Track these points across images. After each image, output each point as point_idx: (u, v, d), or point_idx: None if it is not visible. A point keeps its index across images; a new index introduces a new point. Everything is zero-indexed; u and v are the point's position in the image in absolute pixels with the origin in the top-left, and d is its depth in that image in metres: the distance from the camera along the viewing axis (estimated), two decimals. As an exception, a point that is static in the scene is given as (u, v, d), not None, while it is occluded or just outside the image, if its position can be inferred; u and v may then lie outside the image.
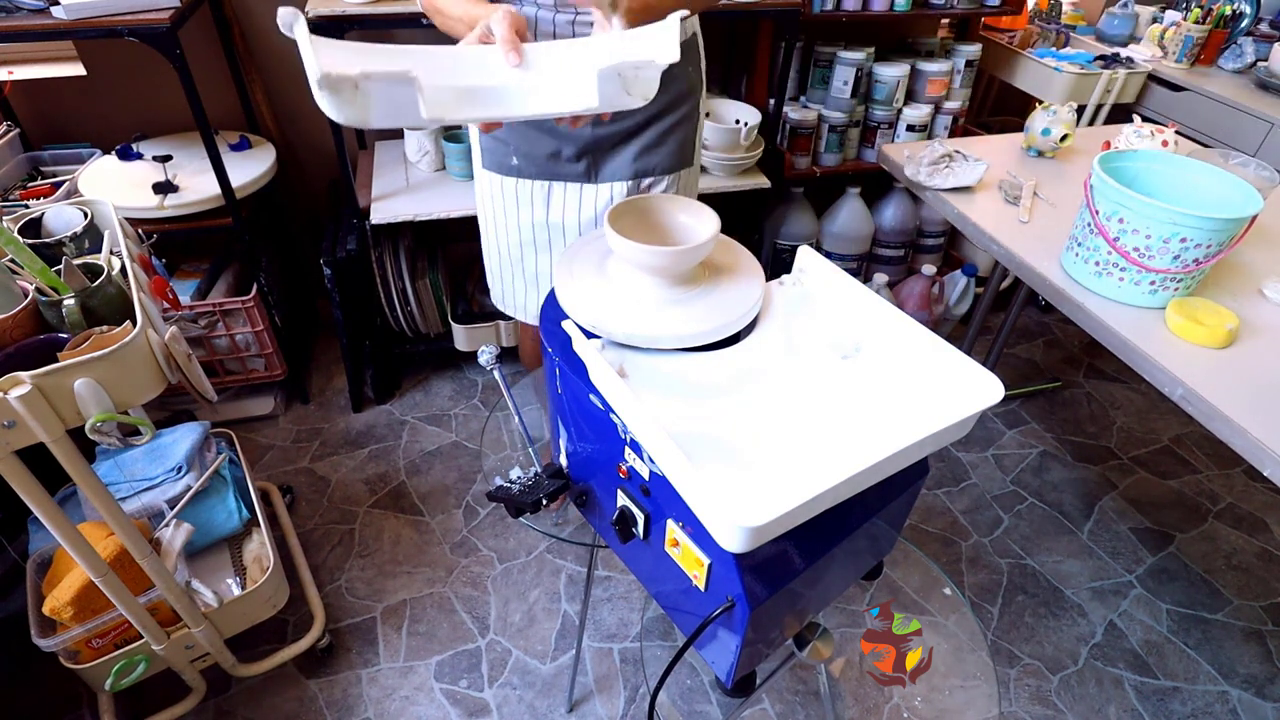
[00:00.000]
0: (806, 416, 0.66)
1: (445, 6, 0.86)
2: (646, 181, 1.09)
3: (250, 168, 1.71)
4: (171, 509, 1.22)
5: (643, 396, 0.66)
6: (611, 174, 1.07)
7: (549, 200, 1.10)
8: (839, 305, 0.78)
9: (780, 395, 0.68)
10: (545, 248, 1.15)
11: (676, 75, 1.03)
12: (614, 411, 0.66)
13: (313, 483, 1.77)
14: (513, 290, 1.24)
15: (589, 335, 0.69)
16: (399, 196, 1.74)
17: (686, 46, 1.02)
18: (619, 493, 0.72)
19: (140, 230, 1.22)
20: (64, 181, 1.60)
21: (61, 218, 1.07)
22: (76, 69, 1.74)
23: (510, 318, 1.32)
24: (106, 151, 1.72)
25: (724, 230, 0.76)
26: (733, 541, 0.53)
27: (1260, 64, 2.04)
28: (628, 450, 0.67)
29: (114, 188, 1.60)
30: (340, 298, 1.73)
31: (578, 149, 1.04)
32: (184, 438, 1.34)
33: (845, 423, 0.65)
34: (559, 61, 0.73)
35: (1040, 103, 1.60)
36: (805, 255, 0.81)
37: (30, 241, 0.96)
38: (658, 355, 0.71)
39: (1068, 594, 1.59)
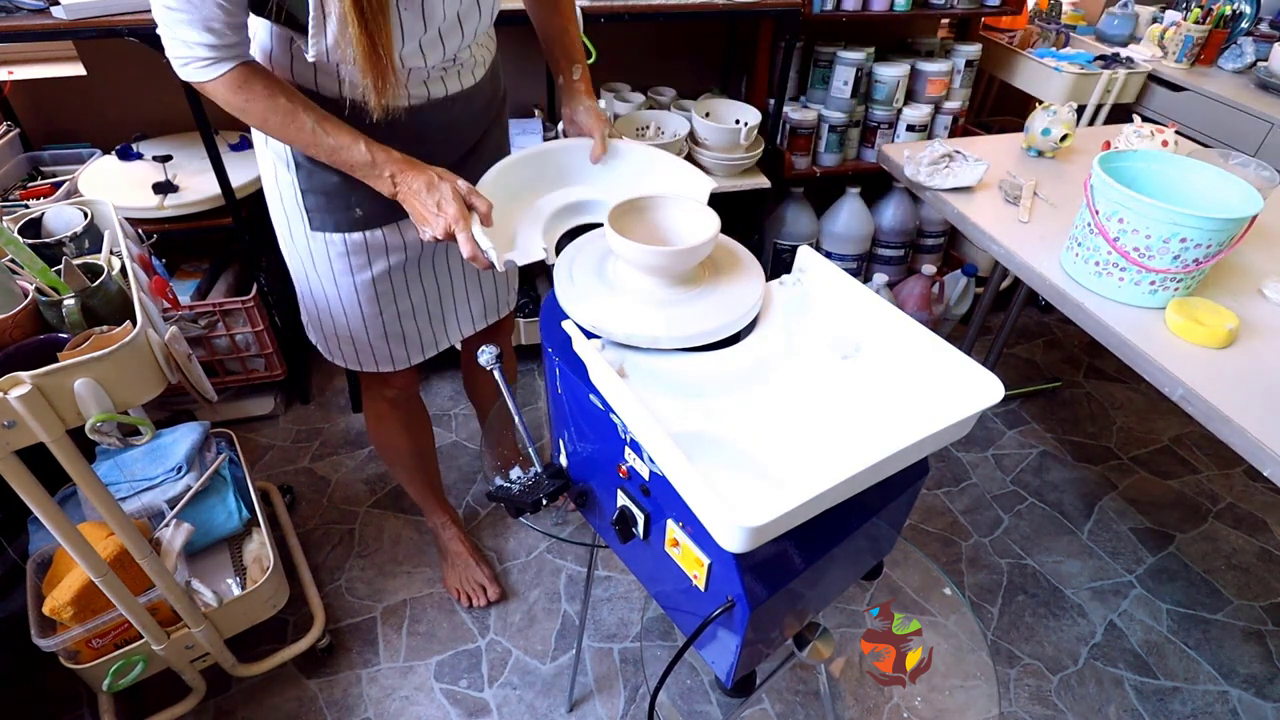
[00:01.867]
0: (806, 416, 0.66)
1: (339, 152, 0.83)
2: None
3: (250, 167, 1.71)
4: (171, 509, 1.22)
5: (643, 396, 0.66)
6: None
7: (404, 237, 1.04)
8: (839, 305, 0.78)
9: (780, 395, 0.68)
10: (403, 289, 1.09)
11: (496, 88, 1.07)
12: (614, 411, 0.66)
13: (313, 483, 1.77)
14: (385, 347, 1.14)
15: (589, 335, 0.69)
16: (399, 196, 1.73)
17: (497, 60, 1.06)
18: (619, 493, 0.72)
19: (140, 230, 1.22)
20: (64, 181, 1.60)
21: (61, 218, 1.07)
22: (76, 69, 1.74)
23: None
24: (106, 151, 1.72)
25: (724, 230, 0.76)
26: (733, 542, 0.53)
27: (1260, 64, 2.03)
28: (628, 450, 0.67)
29: (114, 188, 1.60)
30: (340, 298, 1.73)
31: None
32: (184, 438, 1.34)
33: (845, 423, 0.65)
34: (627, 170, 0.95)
35: (1040, 103, 1.60)
36: (805, 255, 0.81)
37: (30, 241, 0.96)
38: (658, 355, 0.71)
39: (1068, 594, 1.59)
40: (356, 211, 0.98)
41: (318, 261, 1.04)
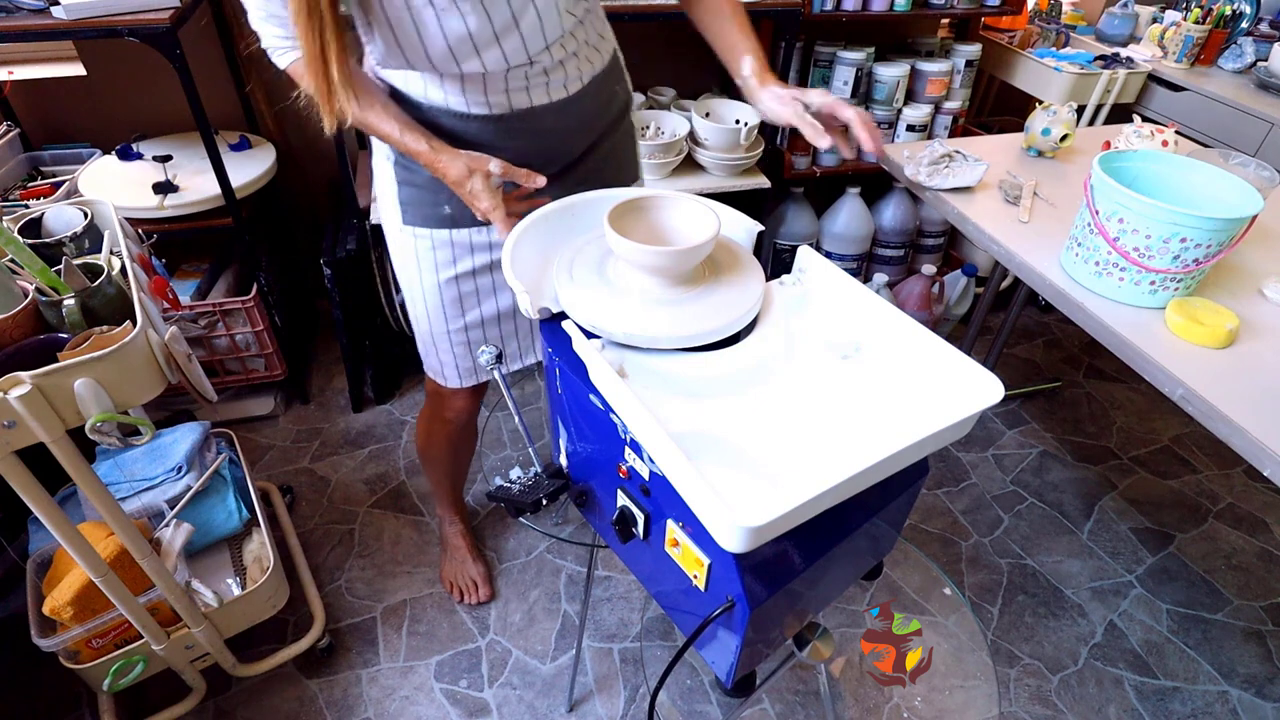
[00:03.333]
0: (806, 416, 0.66)
1: (402, 141, 0.87)
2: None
3: (250, 168, 1.71)
4: (171, 509, 1.22)
5: (642, 396, 0.66)
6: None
7: (490, 242, 1.02)
8: (839, 305, 0.78)
9: (780, 395, 0.68)
10: (489, 293, 1.08)
11: (607, 100, 1.01)
12: (614, 411, 0.66)
13: (313, 483, 1.77)
14: (451, 355, 1.14)
15: (589, 335, 0.69)
16: (399, 196, 1.73)
17: (609, 69, 1.00)
18: (619, 493, 0.72)
19: (140, 230, 1.22)
20: (64, 181, 1.60)
21: (61, 218, 1.07)
22: (76, 69, 1.74)
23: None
24: (106, 151, 1.72)
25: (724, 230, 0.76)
26: (733, 542, 0.53)
27: (1260, 64, 2.04)
28: (628, 450, 0.67)
29: (114, 188, 1.60)
30: (340, 298, 1.73)
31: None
32: (184, 438, 1.34)
33: (845, 423, 0.65)
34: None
35: (1040, 103, 1.60)
36: (805, 255, 0.81)
37: (30, 241, 0.96)
38: (658, 355, 0.71)
39: (1068, 594, 1.59)
40: (445, 209, 0.99)
41: (406, 255, 1.05)
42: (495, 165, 0.84)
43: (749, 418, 0.65)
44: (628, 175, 1.12)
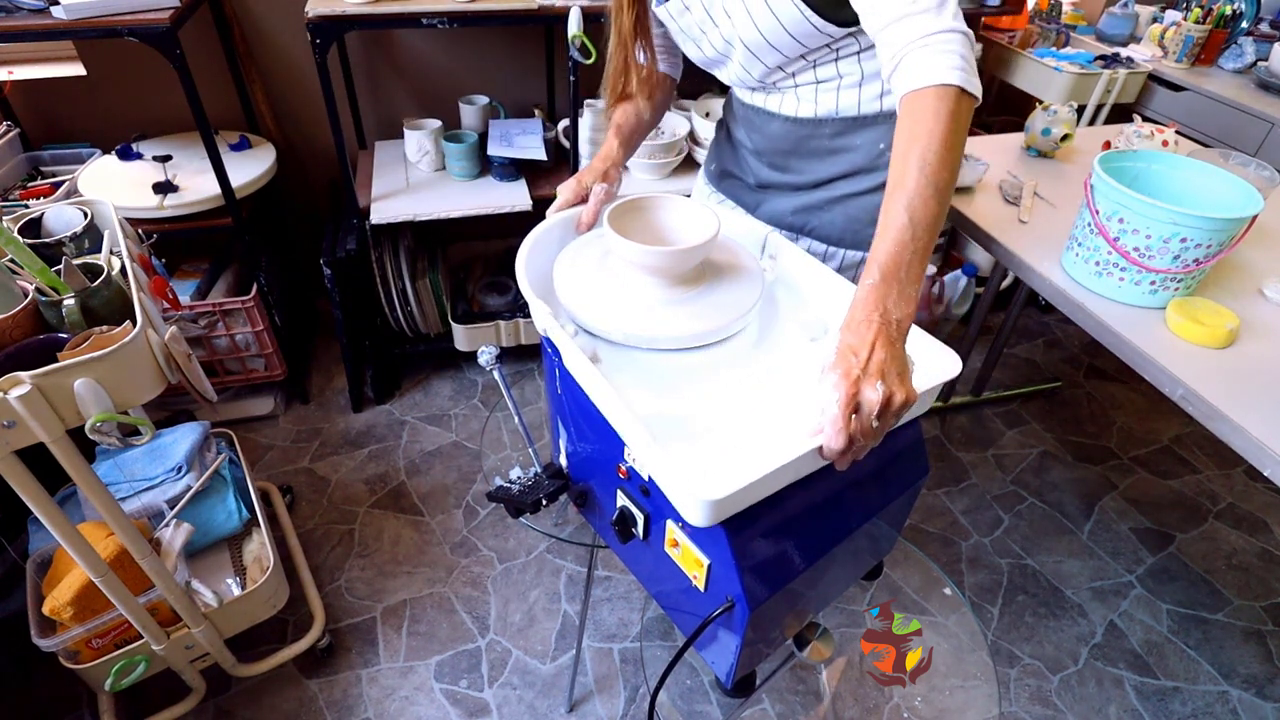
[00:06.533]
0: (775, 398, 0.68)
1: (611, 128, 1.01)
2: (805, 242, 1.02)
3: (250, 168, 1.71)
4: (171, 509, 1.22)
5: (615, 382, 0.67)
6: (771, 214, 1.03)
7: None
8: (807, 289, 0.81)
9: (751, 378, 0.70)
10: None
11: (856, 145, 0.93)
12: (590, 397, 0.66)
13: (313, 483, 1.77)
14: None
15: (589, 335, 0.69)
16: (399, 196, 1.74)
17: (865, 119, 0.92)
18: (619, 493, 0.72)
19: (140, 230, 1.22)
20: (64, 181, 1.60)
21: (61, 218, 1.07)
22: (76, 69, 1.74)
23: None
24: (106, 151, 1.72)
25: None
26: (696, 515, 0.54)
27: (1260, 64, 2.03)
28: (627, 450, 0.67)
29: (114, 188, 1.60)
30: (340, 298, 1.73)
31: (756, 181, 1.04)
32: (184, 438, 1.34)
33: (811, 403, 0.67)
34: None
35: (1040, 103, 1.60)
36: (775, 240, 0.84)
37: (30, 241, 0.96)
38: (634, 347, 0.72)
39: (1068, 594, 1.59)
40: (713, 165, 1.15)
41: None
42: (588, 179, 0.91)
43: (721, 401, 0.67)
44: (855, 237, 1.00)
